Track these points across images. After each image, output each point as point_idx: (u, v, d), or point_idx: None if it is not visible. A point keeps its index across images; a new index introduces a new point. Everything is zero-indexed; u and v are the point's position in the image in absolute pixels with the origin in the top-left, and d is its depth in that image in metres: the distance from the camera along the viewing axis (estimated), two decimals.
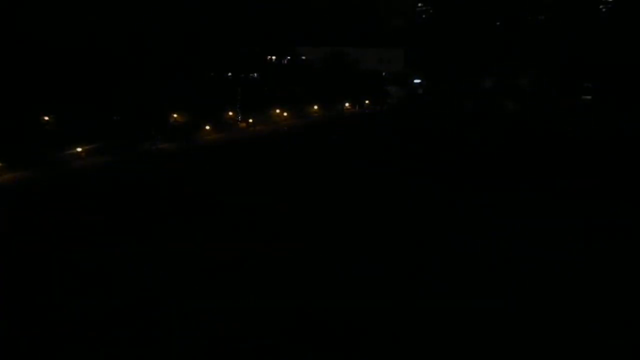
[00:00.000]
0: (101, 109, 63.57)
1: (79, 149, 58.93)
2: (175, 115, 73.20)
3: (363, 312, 24.24)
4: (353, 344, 21.49)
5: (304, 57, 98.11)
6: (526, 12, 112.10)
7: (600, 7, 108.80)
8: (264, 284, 27.69)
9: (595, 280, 28.81)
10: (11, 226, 38.30)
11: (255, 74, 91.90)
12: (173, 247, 34.07)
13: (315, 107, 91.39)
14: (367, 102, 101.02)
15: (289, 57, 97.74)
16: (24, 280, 29.07)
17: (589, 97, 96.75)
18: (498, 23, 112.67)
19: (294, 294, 26.32)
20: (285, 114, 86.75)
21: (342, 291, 26.89)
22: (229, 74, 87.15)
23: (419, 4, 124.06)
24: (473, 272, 29.87)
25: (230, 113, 79.57)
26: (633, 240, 35.37)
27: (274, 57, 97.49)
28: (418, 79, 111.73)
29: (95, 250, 33.71)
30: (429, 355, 21.15)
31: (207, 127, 73.82)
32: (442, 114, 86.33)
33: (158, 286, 27.32)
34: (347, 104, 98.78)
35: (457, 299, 25.97)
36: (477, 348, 21.43)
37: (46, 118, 61.54)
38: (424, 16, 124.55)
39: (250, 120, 79.25)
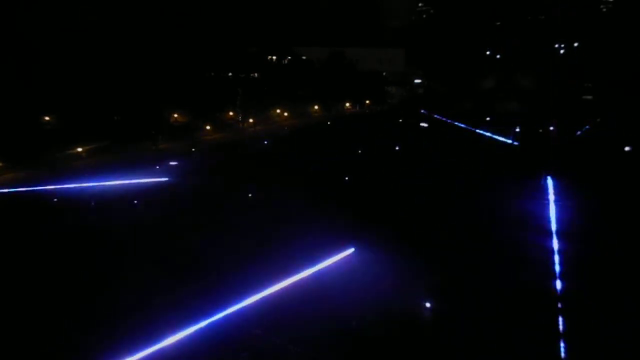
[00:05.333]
0: (101, 108, 63.37)
1: (80, 149, 58.78)
2: (175, 115, 73.11)
3: None
4: None
5: (304, 57, 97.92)
6: (526, 12, 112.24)
7: (601, 7, 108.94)
8: None
9: None
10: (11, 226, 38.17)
11: (256, 74, 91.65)
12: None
13: (316, 107, 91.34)
14: (367, 102, 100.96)
15: (289, 57, 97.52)
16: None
17: (589, 97, 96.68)
18: (498, 23, 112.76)
19: None
20: (285, 113, 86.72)
21: None
22: (229, 73, 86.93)
23: (419, 4, 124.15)
24: None
25: (231, 113, 79.43)
26: None
27: (274, 57, 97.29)
28: (418, 79, 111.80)
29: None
30: None
31: (208, 127, 73.79)
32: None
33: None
34: (347, 104, 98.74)
35: None
36: None
37: (46, 118, 61.30)
38: (424, 16, 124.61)
39: (251, 120, 79.02)
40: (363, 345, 23.24)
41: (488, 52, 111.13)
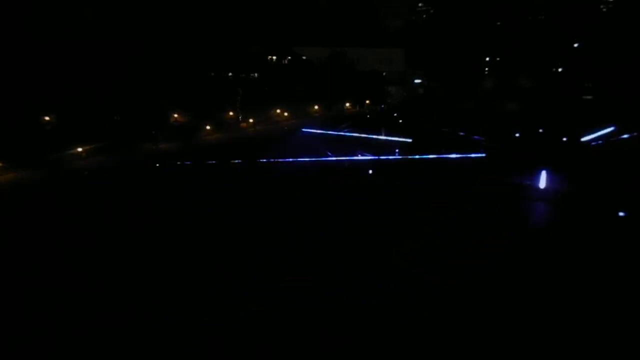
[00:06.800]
0: (101, 108, 63.49)
1: (80, 149, 58.84)
2: (175, 115, 73.23)
3: None
4: None
5: (304, 57, 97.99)
6: (526, 12, 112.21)
7: (601, 6, 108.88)
8: None
9: None
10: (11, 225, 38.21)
11: (256, 74, 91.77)
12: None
13: (316, 107, 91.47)
14: (367, 102, 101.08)
15: (289, 57, 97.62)
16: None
17: (589, 97, 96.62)
18: (498, 23, 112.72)
19: None
20: (285, 113, 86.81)
21: None
22: (229, 74, 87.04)
23: (419, 4, 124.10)
24: None
25: (231, 113, 79.52)
26: None
27: (274, 57, 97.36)
28: (418, 79, 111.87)
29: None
30: None
31: (208, 127, 73.85)
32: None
33: None
34: (347, 104, 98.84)
35: None
36: None
37: (46, 118, 61.38)
38: (424, 16, 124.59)
39: (251, 120, 79.14)
40: None
41: (488, 52, 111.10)
